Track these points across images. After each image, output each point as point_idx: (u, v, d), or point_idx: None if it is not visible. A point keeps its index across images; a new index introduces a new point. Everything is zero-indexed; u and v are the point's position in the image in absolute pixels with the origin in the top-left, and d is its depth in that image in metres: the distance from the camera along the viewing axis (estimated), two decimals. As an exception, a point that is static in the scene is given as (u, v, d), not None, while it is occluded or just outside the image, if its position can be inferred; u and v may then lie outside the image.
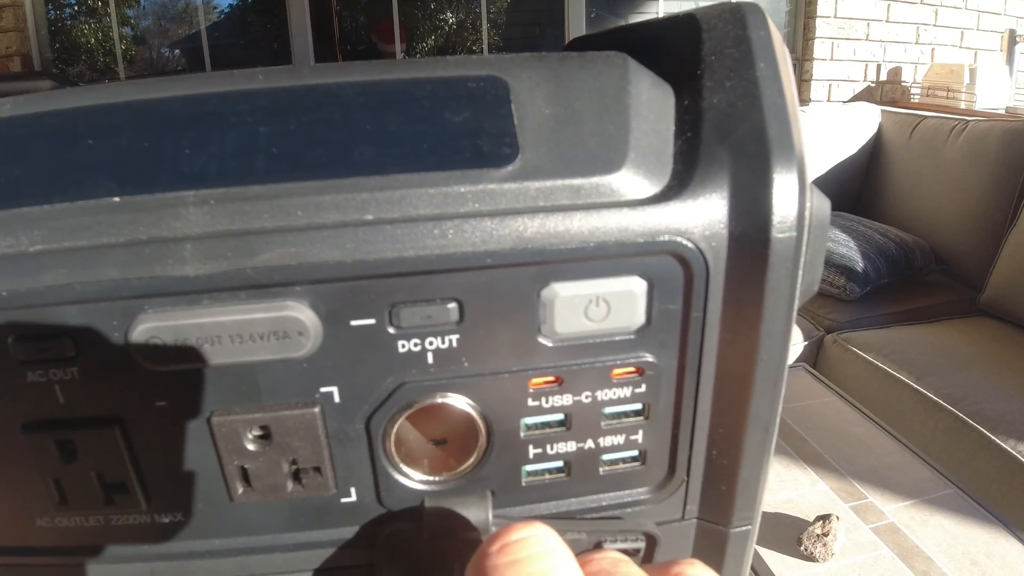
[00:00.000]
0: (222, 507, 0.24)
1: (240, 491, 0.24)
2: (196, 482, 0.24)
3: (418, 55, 3.02)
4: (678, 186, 0.22)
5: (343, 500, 0.24)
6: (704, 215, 0.22)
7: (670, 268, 0.22)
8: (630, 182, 0.22)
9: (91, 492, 0.24)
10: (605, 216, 0.21)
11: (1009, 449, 1.38)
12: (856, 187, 2.49)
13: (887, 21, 2.89)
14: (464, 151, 0.21)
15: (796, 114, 0.23)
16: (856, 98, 2.89)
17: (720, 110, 0.23)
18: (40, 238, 0.21)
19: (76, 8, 2.77)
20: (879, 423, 1.07)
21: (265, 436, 0.23)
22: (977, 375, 1.62)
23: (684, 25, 0.26)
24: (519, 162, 0.21)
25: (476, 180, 0.21)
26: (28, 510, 0.25)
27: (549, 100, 0.23)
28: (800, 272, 0.23)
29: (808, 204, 0.22)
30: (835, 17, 2.82)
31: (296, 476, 0.23)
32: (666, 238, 0.21)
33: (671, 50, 0.27)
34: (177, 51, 2.97)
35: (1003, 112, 2.72)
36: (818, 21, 2.80)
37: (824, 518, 0.79)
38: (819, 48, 2.83)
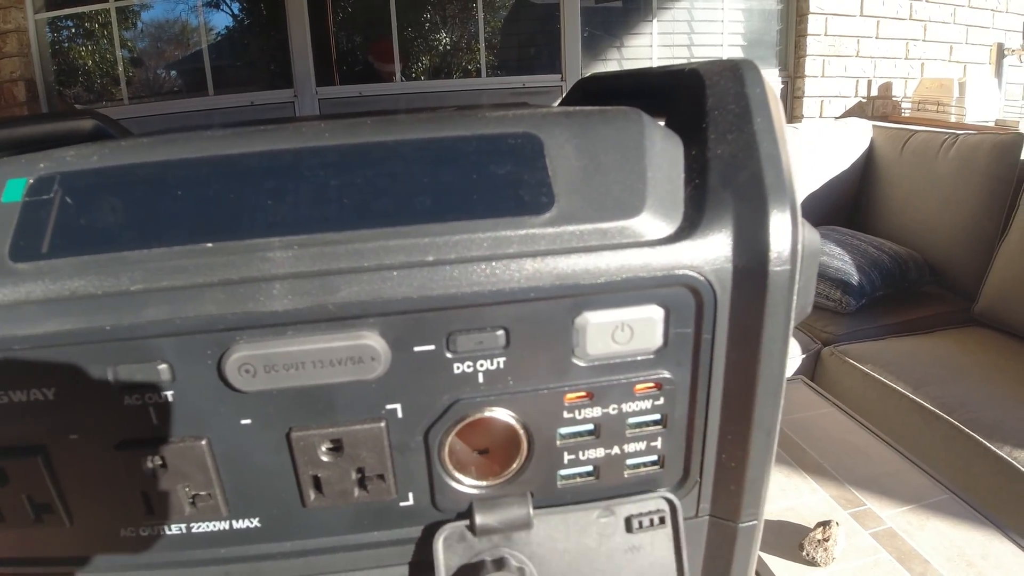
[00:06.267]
0: (294, 512, 0.28)
1: (312, 497, 0.27)
2: (272, 490, 0.27)
3: (414, 75, 3.05)
4: (689, 227, 0.26)
5: (402, 504, 0.28)
6: (712, 252, 0.25)
7: (684, 297, 0.26)
8: (649, 224, 0.25)
9: (176, 502, 0.27)
10: (629, 255, 0.25)
11: (1005, 456, 1.41)
12: (850, 201, 2.54)
13: (877, 37, 2.94)
14: (508, 200, 0.25)
15: (788, 161, 0.27)
16: (848, 114, 2.94)
17: (724, 160, 0.27)
18: (141, 279, 0.24)
19: (76, 31, 2.80)
20: (877, 433, 1.10)
21: (337, 448, 0.26)
22: (972, 384, 1.66)
23: (689, 79, 0.30)
24: (555, 210, 0.25)
25: (519, 226, 0.25)
26: (114, 522, 0.28)
27: (577, 154, 0.27)
28: (795, 297, 0.27)
29: (800, 239, 0.26)
30: (825, 35, 2.87)
31: (362, 483, 0.27)
32: (681, 272, 0.25)
33: (677, 101, 0.31)
34: (174, 72, 3.01)
35: (993, 124, 2.76)
36: (809, 39, 2.86)
37: (825, 524, 0.82)
38: (810, 65, 2.88)
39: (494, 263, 0.24)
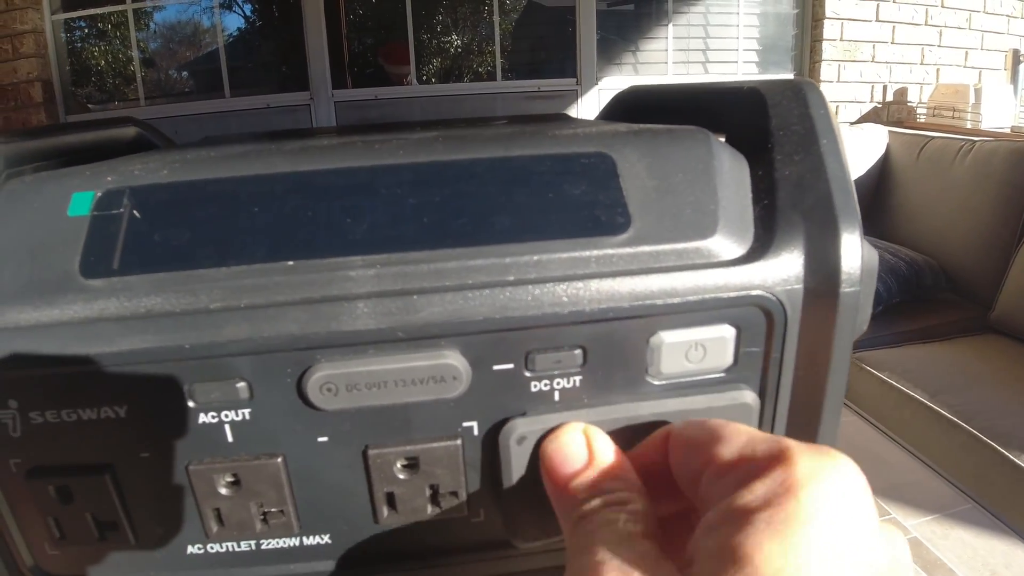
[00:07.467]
0: (366, 528, 0.28)
1: (386, 514, 0.27)
2: (345, 506, 0.27)
3: (426, 78, 3.06)
4: (760, 248, 0.26)
5: (473, 520, 0.28)
6: (784, 272, 0.26)
7: (755, 317, 0.26)
8: (722, 245, 0.26)
9: (248, 519, 0.27)
10: (704, 275, 0.25)
11: (1022, 464, 1.41)
12: (865, 207, 2.53)
13: (892, 43, 2.94)
14: (586, 221, 0.25)
15: (852, 182, 0.27)
16: (863, 119, 2.94)
17: (792, 181, 0.27)
18: (220, 297, 0.25)
19: (93, 32, 2.81)
20: (897, 441, 1.10)
21: (412, 465, 0.26)
22: (989, 392, 1.65)
23: (749, 98, 0.30)
24: (631, 231, 0.25)
25: (597, 246, 0.25)
26: (181, 539, 0.28)
27: (649, 173, 0.27)
28: (858, 315, 0.27)
29: (864, 259, 0.26)
30: (841, 40, 2.87)
31: (435, 500, 0.27)
32: (754, 293, 0.25)
33: (738, 121, 0.31)
34: (188, 74, 3.02)
35: (1008, 131, 2.75)
36: (824, 44, 2.86)
37: (851, 533, 0.82)
38: (826, 70, 2.88)
39: (573, 283, 0.24)
